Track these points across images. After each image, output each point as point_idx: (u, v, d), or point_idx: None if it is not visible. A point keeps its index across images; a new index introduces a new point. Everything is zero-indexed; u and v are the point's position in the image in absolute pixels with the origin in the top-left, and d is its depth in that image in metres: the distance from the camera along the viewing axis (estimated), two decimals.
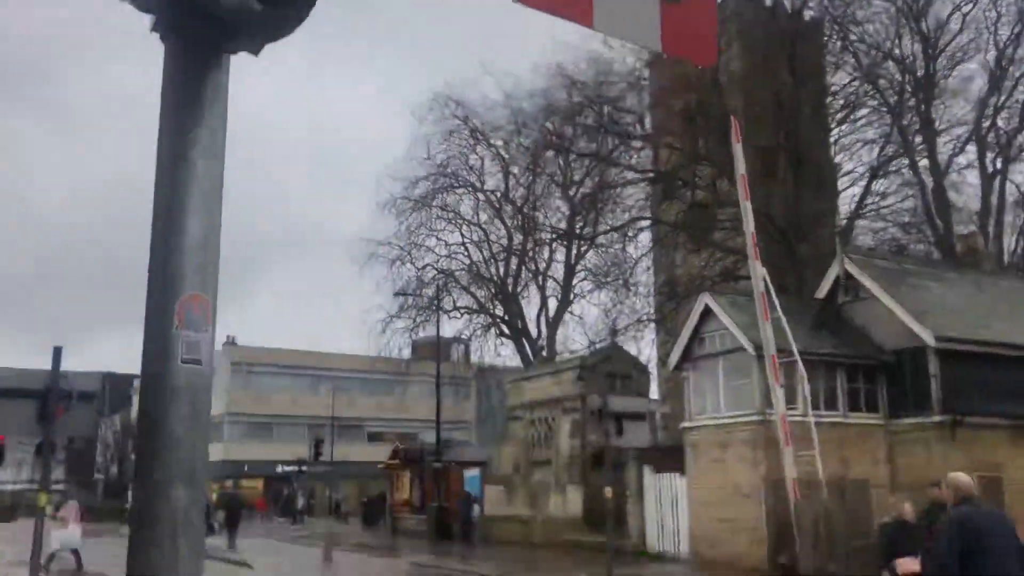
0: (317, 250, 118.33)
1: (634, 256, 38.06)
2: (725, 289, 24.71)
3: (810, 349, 19.97)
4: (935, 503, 10.71)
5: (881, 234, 32.25)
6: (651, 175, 32.93)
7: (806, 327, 21.07)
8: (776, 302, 19.13)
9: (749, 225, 19.42)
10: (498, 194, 45.79)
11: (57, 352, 13.03)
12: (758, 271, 19.21)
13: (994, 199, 31.77)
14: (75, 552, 19.55)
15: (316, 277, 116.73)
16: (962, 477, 6.47)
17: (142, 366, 1.77)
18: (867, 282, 21.54)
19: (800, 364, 19.07)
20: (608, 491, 17.17)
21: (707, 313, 21.33)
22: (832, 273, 22.37)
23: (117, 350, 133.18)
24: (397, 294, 42.49)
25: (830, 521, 17.60)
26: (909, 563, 7.55)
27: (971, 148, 31.73)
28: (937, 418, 19.69)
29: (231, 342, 65.10)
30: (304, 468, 49.77)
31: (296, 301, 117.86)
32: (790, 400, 19.21)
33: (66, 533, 19.35)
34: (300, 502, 48.56)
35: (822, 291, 22.59)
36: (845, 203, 32.13)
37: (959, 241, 29.65)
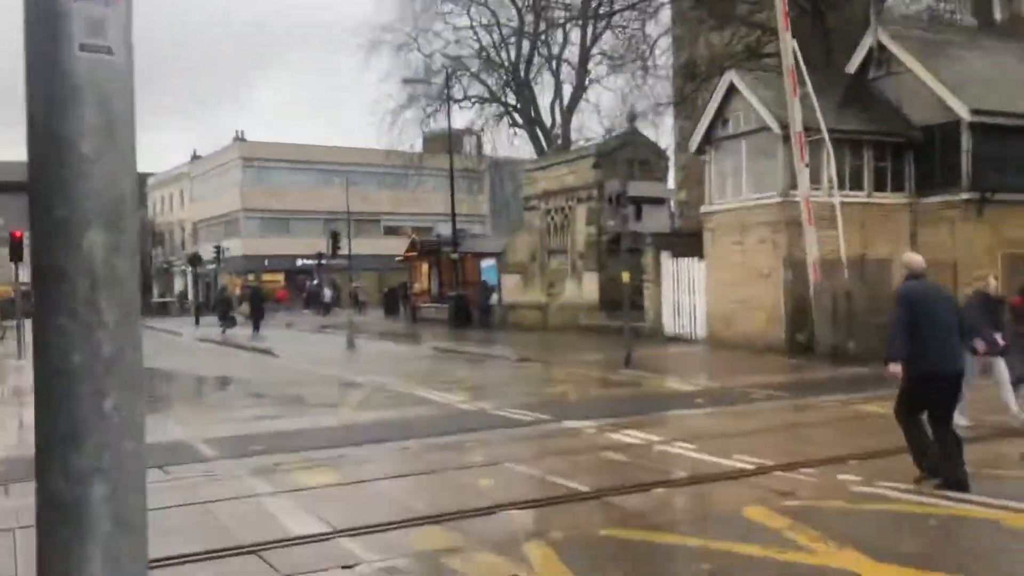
0: (321, 40, 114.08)
1: (653, 36, 36.18)
2: (751, 66, 23.34)
3: (838, 126, 19.09)
4: None
5: (915, 5, 30.23)
6: None
7: (834, 103, 20.07)
8: (806, 77, 18.09)
9: None
10: None
11: None
12: (788, 43, 18.04)
13: None
14: None
15: (322, 69, 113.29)
16: (915, 256, 7.29)
17: (25, 57, 1.24)
18: (901, 53, 20.28)
19: (828, 142, 18.32)
20: (625, 275, 17.05)
21: (731, 92, 20.32)
22: (865, 44, 21.05)
23: None
24: (406, 81, 41.04)
25: (849, 300, 17.54)
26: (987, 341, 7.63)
27: None
28: (965, 195, 19.13)
29: (240, 137, 64.16)
30: (323, 261, 50.31)
31: (303, 95, 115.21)
32: (814, 180, 18.64)
33: None
34: (327, 294, 49.06)
35: (853, 65, 21.37)
36: None
37: (1001, 7, 27.73)
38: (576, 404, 12.85)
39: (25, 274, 26.46)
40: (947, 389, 6.90)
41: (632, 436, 9.71)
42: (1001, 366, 9.34)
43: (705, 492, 7.38)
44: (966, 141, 19.12)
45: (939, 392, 6.86)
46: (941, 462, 6.87)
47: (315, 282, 54.67)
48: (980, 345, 7.73)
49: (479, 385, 15.33)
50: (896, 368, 6.86)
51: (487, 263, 34.58)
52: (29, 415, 11.82)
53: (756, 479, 7.57)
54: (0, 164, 12.66)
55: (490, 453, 9.17)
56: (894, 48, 20.41)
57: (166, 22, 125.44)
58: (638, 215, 16.61)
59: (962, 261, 18.72)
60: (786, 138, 18.62)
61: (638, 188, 17.03)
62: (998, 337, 8.78)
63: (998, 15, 27.82)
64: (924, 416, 7.05)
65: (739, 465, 8.03)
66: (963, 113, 18.87)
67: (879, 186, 20.20)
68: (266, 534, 6.23)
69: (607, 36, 41.65)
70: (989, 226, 19.20)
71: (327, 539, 6.17)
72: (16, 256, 23.40)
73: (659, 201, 17.66)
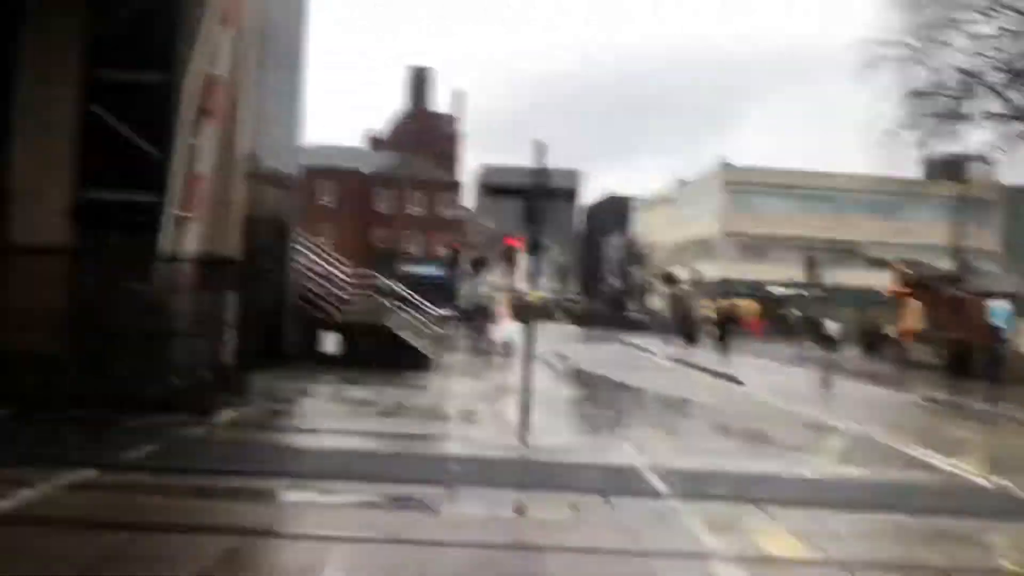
0: (807, 65, 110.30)
1: None
2: None
3: None
4: None
5: None
6: None
7: None
8: None
9: None
10: None
11: (539, 148, 12.59)
12: None
13: None
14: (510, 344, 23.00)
15: (811, 95, 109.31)
16: None
17: None
18: None
19: None
20: None
21: None
22: None
23: (618, 177, 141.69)
24: (912, 95, 36.71)
25: None
26: None
27: None
28: None
29: (725, 164, 64.10)
30: (799, 291, 47.49)
31: (791, 121, 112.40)
32: None
33: (503, 327, 23.97)
34: (831, 326, 40.50)
35: None
36: None
37: None
38: None
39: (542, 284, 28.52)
40: None
41: None
42: None
43: None
44: None
45: None
46: None
47: (791, 311, 51.51)
48: None
49: (1000, 456, 12.18)
50: None
51: (996, 304, 29.23)
52: None
53: None
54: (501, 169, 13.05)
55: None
56: None
57: (656, 56, 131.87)
58: None
59: None
60: None
61: None
62: None
63: None
64: None
65: None
66: None
67: None
68: None
69: None
70: None
71: None
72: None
73: None
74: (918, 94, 36.77)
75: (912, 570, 6.18)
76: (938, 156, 44.36)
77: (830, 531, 7.08)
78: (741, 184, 62.32)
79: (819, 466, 10.40)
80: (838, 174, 58.32)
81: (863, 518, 7.65)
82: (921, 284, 36.21)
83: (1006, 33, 38.87)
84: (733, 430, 13.22)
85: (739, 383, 21.25)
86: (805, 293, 46.74)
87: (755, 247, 62.01)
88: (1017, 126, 39.43)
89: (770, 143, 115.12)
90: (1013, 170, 41.08)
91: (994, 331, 27.07)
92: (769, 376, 24.29)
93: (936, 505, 8.26)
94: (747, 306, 58.45)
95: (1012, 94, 39.11)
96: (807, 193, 61.35)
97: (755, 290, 59.18)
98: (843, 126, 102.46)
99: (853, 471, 10.12)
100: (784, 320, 51.34)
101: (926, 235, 55.58)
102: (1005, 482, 9.60)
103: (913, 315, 36.60)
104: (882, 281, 45.37)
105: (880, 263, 57.63)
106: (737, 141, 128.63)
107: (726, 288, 59.36)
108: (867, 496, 8.59)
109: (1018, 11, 38.02)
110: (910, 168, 42.14)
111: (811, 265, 43.73)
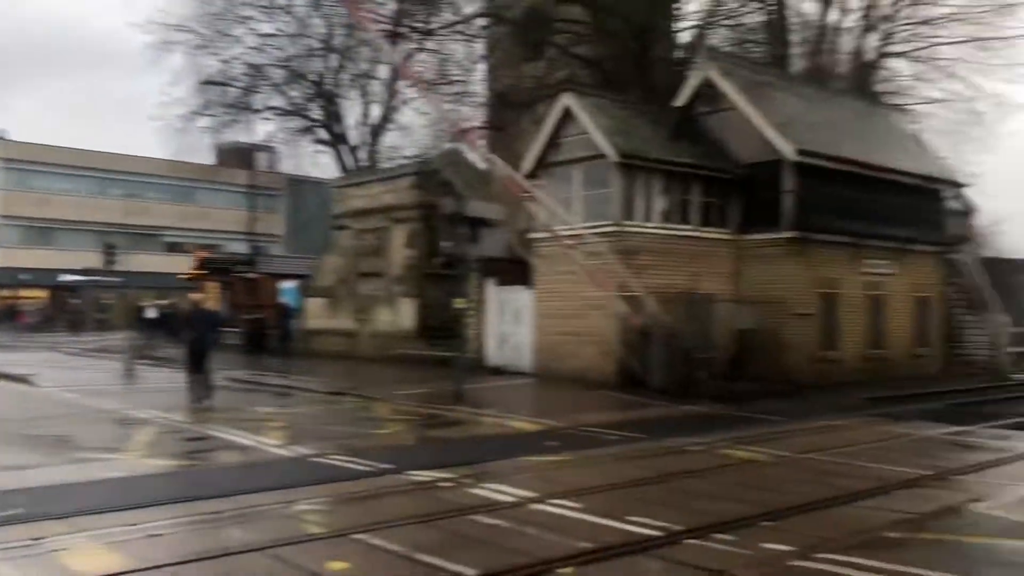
0: (93, 41, 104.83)
1: (466, 62, 35.25)
2: (587, 91, 22.71)
3: (673, 158, 18.82)
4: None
5: (723, 47, 31.22)
6: None
7: (662, 136, 19.90)
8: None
9: None
10: None
11: None
12: None
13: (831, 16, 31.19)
14: None
15: (96, 72, 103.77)
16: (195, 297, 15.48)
17: None
18: (730, 91, 20.35)
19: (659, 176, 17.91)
20: (460, 302, 15.63)
21: (566, 117, 19.52)
22: (693, 80, 21.00)
23: None
24: (205, 83, 37.47)
25: (678, 334, 17.03)
26: None
27: None
28: (787, 234, 19.35)
29: (1, 136, 57.00)
30: (92, 277, 44.99)
31: (75, 101, 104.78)
32: (641, 214, 18.20)
33: None
34: (152, 312, 34.96)
35: (681, 99, 21.24)
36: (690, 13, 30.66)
37: (804, 58, 29.12)
38: (416, 448, 11.13)
39: None
40: None
41: (498, 491, 8.17)
42: None
43: (621, 573, 5.97)
44: (789, 181, 19.36)
45: None
46: None
47: (78, 300, 48.72)
48: None
49: (293, 424, 13.24)
50: None
51: (287, 285, 31.99)
52: None
53: (671, 551, 6.26)
54: None
55: (330, 519, 7.29)
56: (723, 85, 20.45)
57: None
58: (475, 237, 15.24)
59: (786, 297, 18.96)
60: (622, 165, 18.05)
61: (477, 208, 15.66)
62: None
63: (795, 65, 29.14)
64: None
65: (642, 531, 6.71)
66: (788, 153, 19.10)
67: (705, 221, 20.07)
68: None
69: (422, 58, 40.36)
70: (806, 264, 19.50)
71: None
72: None
73: (494, 224, 16.38)
74: (209, 83, 37.78)
75: (221, 557, 6.22)
76: (230, 144, 46.48)
77: (143, 531, 6.75)
78: (22, 161, 56.21)
79: (128, 464, 9.89)
80: (134, 156, 56.79)
81: (178, 511, 7.47)
82: (217, 267, 37.54)
83: (284, 34, 42.39)
84: (27, 436, 11.80)
85: (31, 383, 19.18)
86: (103, 279, 44.64)
87: (40, 231, 56.74)
88: (296, 121, 43.52)
89: (54, 123, 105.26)
90: (294, 160, 45.16)
91: (285, 309, 29.56)
92: (65, 372, 22.45)
93: (247, 483, 8.54)
94: (35, 296, 53.41)
95: (292, 91, 42.98)
96: (99, 174, 58.40)
97: (40, 278, 54.29)
98: (136, 107, 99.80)
99: (164, 463, 9.90)
100: (77, 310, 48.23)
101: (223, 220, 57.97)
102: (303, 449, 10.48)
103: (211, 298, 37.69)
104: (181, 266, 45.75)
105: (178, 247, 58.06)
106: (12, 117, 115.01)
107: (5, 277, 53.22)
108: (181, 487, 8.48)
109: (292, 14, 41.75)
110: (205, 155, 43.26)
111: (107, 249, 41.83)
